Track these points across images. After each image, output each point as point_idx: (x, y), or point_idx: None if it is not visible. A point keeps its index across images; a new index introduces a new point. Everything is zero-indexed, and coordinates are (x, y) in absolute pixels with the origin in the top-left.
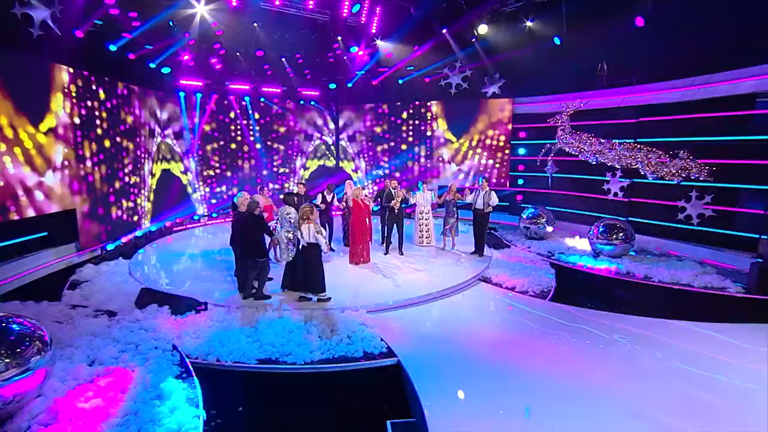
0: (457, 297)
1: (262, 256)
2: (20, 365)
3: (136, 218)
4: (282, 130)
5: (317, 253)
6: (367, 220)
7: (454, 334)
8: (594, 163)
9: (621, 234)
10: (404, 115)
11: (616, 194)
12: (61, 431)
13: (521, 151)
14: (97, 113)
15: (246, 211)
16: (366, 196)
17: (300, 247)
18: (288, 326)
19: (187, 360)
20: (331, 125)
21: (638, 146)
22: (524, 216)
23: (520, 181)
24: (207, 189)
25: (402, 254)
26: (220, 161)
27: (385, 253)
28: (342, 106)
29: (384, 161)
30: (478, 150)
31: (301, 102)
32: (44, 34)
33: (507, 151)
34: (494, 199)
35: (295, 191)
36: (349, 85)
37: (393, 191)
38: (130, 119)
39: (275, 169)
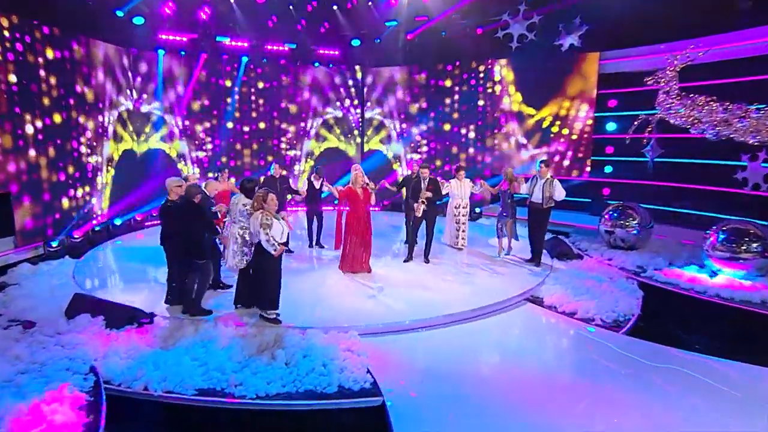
0: (489, 321)
1: (201, 256)
2: None
3: (96, 209)
4: (293, 109)
5: (268, 255)
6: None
7: (472, 372)
8: (714, 139)
9: (755, 244)
10: (448, 82)
11: (757, 186)
12: None
13: (610, 126)
14: (43, 75)
15: (180, 198)
16: (367, 183)
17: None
18: (248, 348)
19: (104, 387)
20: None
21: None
22: (606, 217)
23: (608, 169)
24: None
25: (427, 262)
26: (213, 143)
27: (406, 260)
28: (369, 69)
29: (420, 143)
30: (555, 126)
31: (316, 64)
32: None
33: (589, 126)
34: (558, 191)
35: (271, 173)
36: (377, 41)
37: (423, 181)
38: (87, 85)
39: (284, 152)
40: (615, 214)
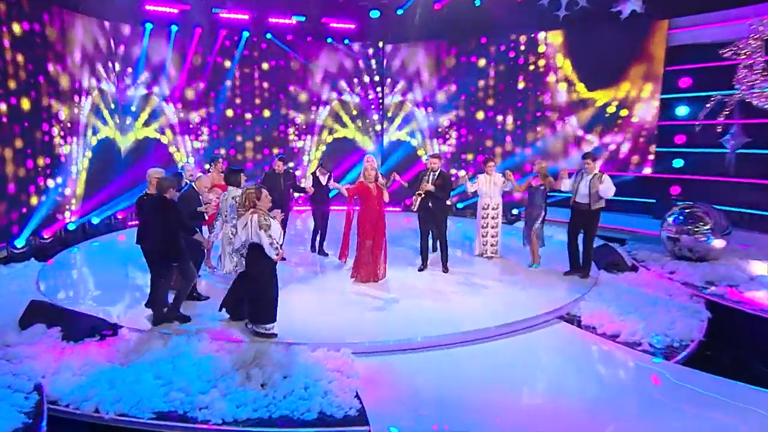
0: (512, 342)
1: (176, 257)
2: None
3: (68, 206)
4: (303, 97)
5: (265, 262)
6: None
7: (486, 402)
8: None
9: None
10: (481, 62)
11: None
12: None
13: (681, 111)
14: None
15: (154, 192)
16: (380, 180)
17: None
18: (222, 365)
19: (47, 408)
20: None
21: None
22: (670, 221)
23: (678, 162)
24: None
25: (446, 271)
26: (210, 134)
27: (420, 268)
28: (390, 46)
29: (448, 133)
30: (611, 107)
31: (329, 40)
32: None
33: (654, 111)
34: (607, 188)
35: (273, 169)
36: (400, 11)
37: (430, 174)
38: (61, 64)
39: (291, 143)
40: (681, 218)
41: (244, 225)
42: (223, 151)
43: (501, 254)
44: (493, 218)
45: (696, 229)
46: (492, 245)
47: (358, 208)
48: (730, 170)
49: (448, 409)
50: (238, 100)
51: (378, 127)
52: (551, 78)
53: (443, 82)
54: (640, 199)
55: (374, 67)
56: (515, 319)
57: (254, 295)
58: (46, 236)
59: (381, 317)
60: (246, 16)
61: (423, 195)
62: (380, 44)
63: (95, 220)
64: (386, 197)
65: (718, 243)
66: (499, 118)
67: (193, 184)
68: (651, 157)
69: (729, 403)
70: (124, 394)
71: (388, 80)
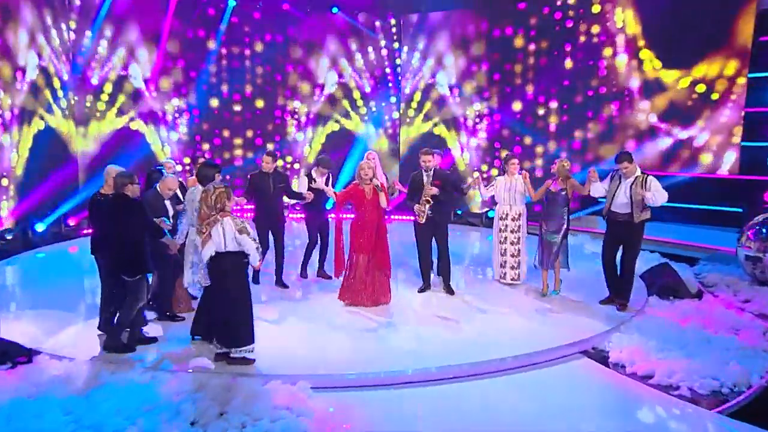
0: (518, 379)
1: (135, 271)
2: None
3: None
4: (304, 89)
5: (239, 273)
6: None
7: None
8: None
9: None
10: (518, 41)
11: None
12: None
13: None
14: None
15: (112, 192)
16: (375, 180)
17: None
18: (151, 398)
19: None
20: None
21: None
22: (749, 234)
23: None
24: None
25: (450, 293)
26: (189, 126)
27: (420, 289)
28: (406, 18)
29: (478, 126)
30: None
31: (334, 9)
32: None
33: (738, 91)
34: (656, 194)
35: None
36: None
37: (426, 175)
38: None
39: (288, 137)
40: (764, 232)
41: (219, 232)
42: (206, 146)
43: (527, 279)
44: (513, 231)
45: None
46: (512, 267)
47: (349, 216)
48: None
49: None
50: (224, 87)
51: (396, 115)
52: (607, 51)
53: (472, 61)
54: (723, 208)
55: (384, 44)
56: (522, 352)
57: (229, 314)
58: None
59: (358, 347)
60: None
61: (431, 201)
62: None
63: (40, 227)
64: (383, 202)
65: None
66: (540, 111)
67: (157, 186)
68: (736, 152)
69: None
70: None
71: (406, 58)
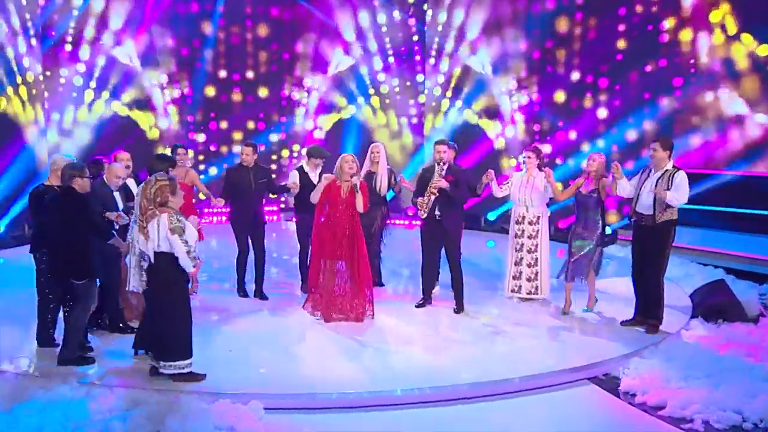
0: (505, 406)
1: (84, 273)
2: None
3: None
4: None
5: (176, 277)
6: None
7: None
8: None
9: None
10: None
11: None
12: None
13: None
14: None
15: (58, 185)
16: (355, 179)
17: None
18: (79, 415)
19: None
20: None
21: None
22: None
23: None
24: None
25: (460, 311)
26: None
27: (419, 304)
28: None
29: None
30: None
31: None
32: None
33: None
34: (677, 193)
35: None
36: None
37: (439, 167)
38: None
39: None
40: None
41: (154, 229)
42: (202, 137)
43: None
44: (530, 237)
45: None
46: (529, 279)
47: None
48: None
49: None
50: (222, 73)
51: (422, 99)
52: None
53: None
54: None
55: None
56: (512, 376)
57: (162, 323)
58: None
59: (328, 365)
60: None
61: (437, 194)
62: None
63: None
64: (359, 204)
65: None
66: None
67: (103, 175)
68: None
69: None
70: None
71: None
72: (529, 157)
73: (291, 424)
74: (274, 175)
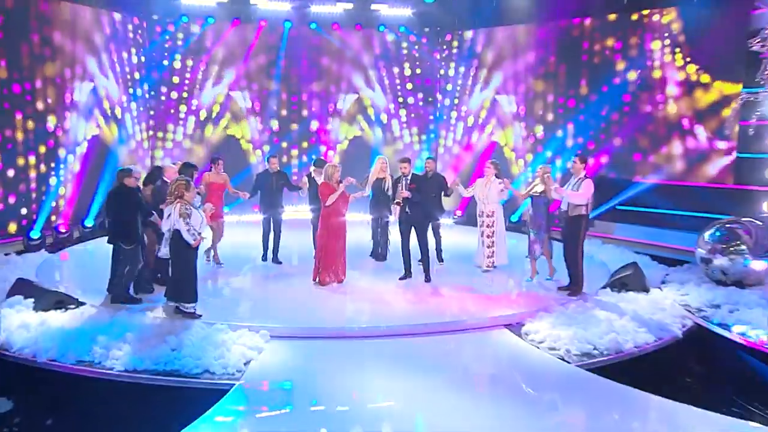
0: (449, 338)
1: (129, 242)
2: None
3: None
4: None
5: (185, 247)
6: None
7: (342, 386)
8: None
9: None
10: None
11: None
12: None
13: None
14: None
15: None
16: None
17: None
18: (146, 332)
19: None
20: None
21: None
22: (706, 238)
23: None
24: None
25: (428, 280)
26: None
27: (401, 277)
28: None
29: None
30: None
31: (381, 28)
32: None
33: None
34: (578, 195)
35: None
36: None
37: (403, 180)
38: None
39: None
40: (717, 235)
41: (169, 214)
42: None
43: (506, 267)
44: (488, 226)
45: (731, 249)
46: (488, 256)
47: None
48: None
49: (312, 389)
50: (284, 112)
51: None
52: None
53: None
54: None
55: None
56: (431, 320)
57: (176, 276)
58: (62, 231)
59: (329, 308)
60: (287, 6)
61: (401, 203)
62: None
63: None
64: (330, 199)
65: (758, 265)
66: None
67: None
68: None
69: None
70: (59, 346)
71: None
72: (488, 167)
73: (288, 346)
74: (294, 177)
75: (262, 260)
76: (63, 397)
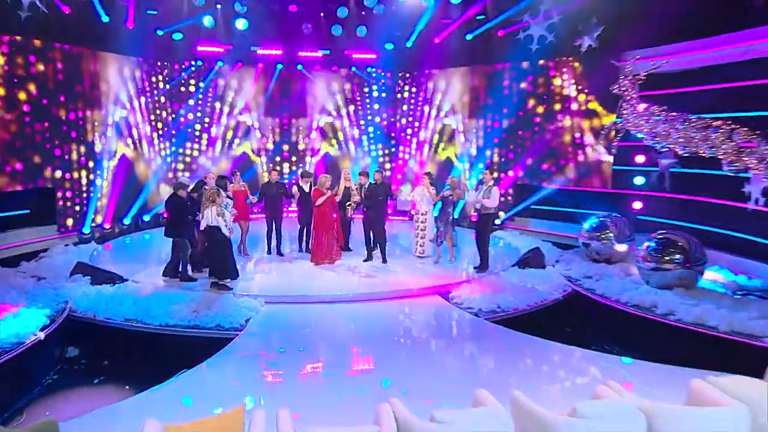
0: (397, 303)
1: (179, 235)
2: None
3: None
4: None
5: (222, 237)
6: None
7: (332, 341)
8: (662, 150)
9: (679, 255)
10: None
11: (758, 200)
12: None
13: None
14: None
15: (173, 191)
16: (330, 193)
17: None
18: (174, 299)
19: (68, 311)
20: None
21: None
22: (585, 228)
23: (640, 180)
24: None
25: (384, 262)
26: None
27: (365, 260)
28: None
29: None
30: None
31: (353, 69)
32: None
33: (613, 134)
34: (490, 201)
35: (268, 179)
36: (409, 44)
37: (361, 189)
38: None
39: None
40: (592, 226)
41: (206, 214)
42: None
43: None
44: (422, 222)
45: (602, 236)
46: (420, 246)
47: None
48: (665, 187)
49: (298, 334)
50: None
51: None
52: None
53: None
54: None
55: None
56: (380, 290)
57: (218, 259)
58: (106, 226)
59: (288, 280)
60: (279, 52)
61: (354, 205)
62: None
63: (146, 218)
64: (319, 201)
65: (620, 247)
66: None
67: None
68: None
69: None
70: (111, 309)
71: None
72: (424, 178)
73: (279, 309)
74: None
75: (267, 254)
76: (115, 345)
